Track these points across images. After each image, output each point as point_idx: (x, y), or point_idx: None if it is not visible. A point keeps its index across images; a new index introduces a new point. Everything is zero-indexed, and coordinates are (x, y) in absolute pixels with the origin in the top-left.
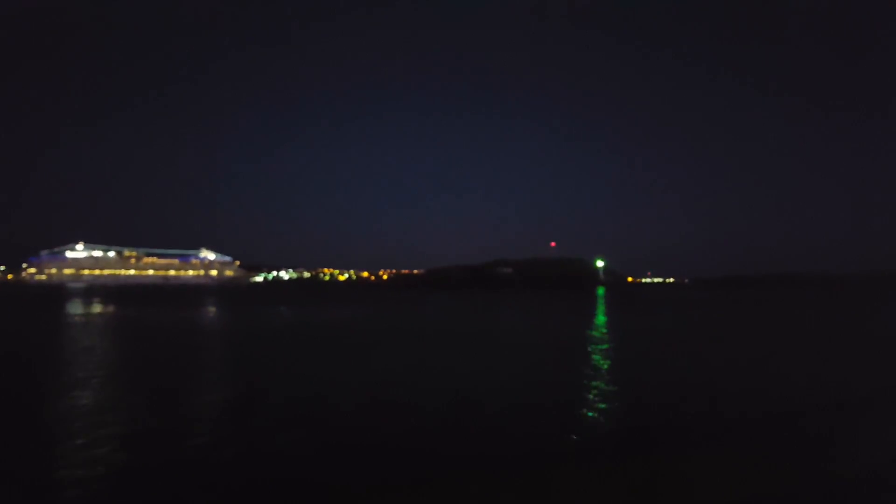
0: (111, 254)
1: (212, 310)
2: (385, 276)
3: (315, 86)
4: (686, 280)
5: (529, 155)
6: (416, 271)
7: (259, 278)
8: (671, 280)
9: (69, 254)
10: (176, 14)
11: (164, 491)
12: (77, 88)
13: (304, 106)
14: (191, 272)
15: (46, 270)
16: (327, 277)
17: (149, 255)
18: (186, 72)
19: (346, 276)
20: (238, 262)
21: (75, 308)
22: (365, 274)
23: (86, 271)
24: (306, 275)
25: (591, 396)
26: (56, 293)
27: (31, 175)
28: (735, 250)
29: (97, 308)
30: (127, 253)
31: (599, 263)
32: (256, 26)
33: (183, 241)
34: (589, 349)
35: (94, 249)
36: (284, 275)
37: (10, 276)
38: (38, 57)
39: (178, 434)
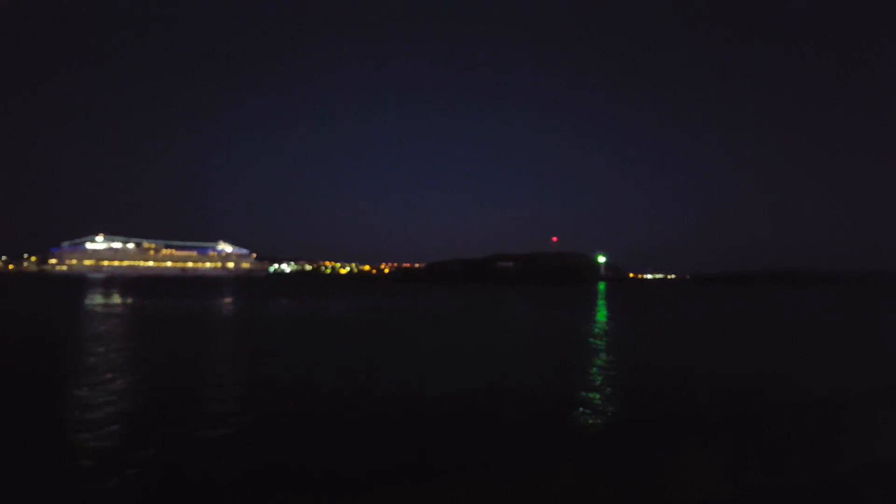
0: (130, 245)
1: (227, 301)
2: (386, 270)
3: (316, 80)
4: (687, 276)
5: (531, 150)
6: (416, 265)
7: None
8: (672, 276)
9: (89, 245)
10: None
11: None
12: (98, 81)
13: (304, 99)
14: (208, 264)
15: (67, 261)
16: (329, 271)
17: (167, 247)
18: (189, 66)
19: (348, 269)
20: (255, 255)
21: (96, 297)
22: (366, 267)
23: (105, 262)
24: (308, 268)
25: (588, 390)
26: (76, 283)
27: (52, 167)
28: (736, 247)
29: (118, 298)
30: (146, 245)
31: (601, 259)
32: (259, 20)
33: (198, 233)
34: (588, 343)
35: (113, 241)
36: (286, 268)
37: (12, 266)
38: (48, 48)
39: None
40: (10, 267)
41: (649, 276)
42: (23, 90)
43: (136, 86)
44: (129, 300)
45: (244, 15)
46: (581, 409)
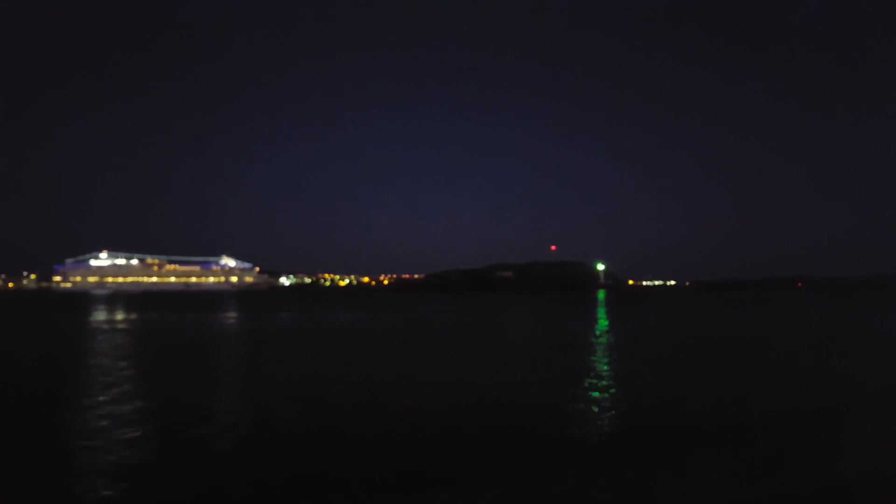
0: (134, 261)
1: (231, 315)
2: (386, 281)
3: (314, 88)
4: (687, 283)
5: (530, 158)
6: (416, 276)
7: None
8: (672, 283)
9: (93, 262)
10: (178, 14)
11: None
12: (94, 93)
13: (301, 108)
14: (212, 279)
15: (71, 278)
16: (328, 283)
17: (171, 262)
18: (189, 75)
19: (347, 281)
20: (258, 269)
21: (101, 314)
22: (365, 279)
23: (109, 279)
24: (307, 280)
25: (589, 398)
26: (81, 300)
27: (56, 183)
28: (737, 253)
29: (124, 313)
30: (150, 260)
31: (600, 267)
32: (255, 28)
33: (201, 248)
34: (588, 350)
35: (117, 257)
36: (285, 281)
37: (12, 284)
38: (46, 58)
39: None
40: (10, 285)
41: (649, 284)
42: (19, 103)
43: (131, 100)
44: (136, 315)
45: (241, 27)
46: (581, 417)
